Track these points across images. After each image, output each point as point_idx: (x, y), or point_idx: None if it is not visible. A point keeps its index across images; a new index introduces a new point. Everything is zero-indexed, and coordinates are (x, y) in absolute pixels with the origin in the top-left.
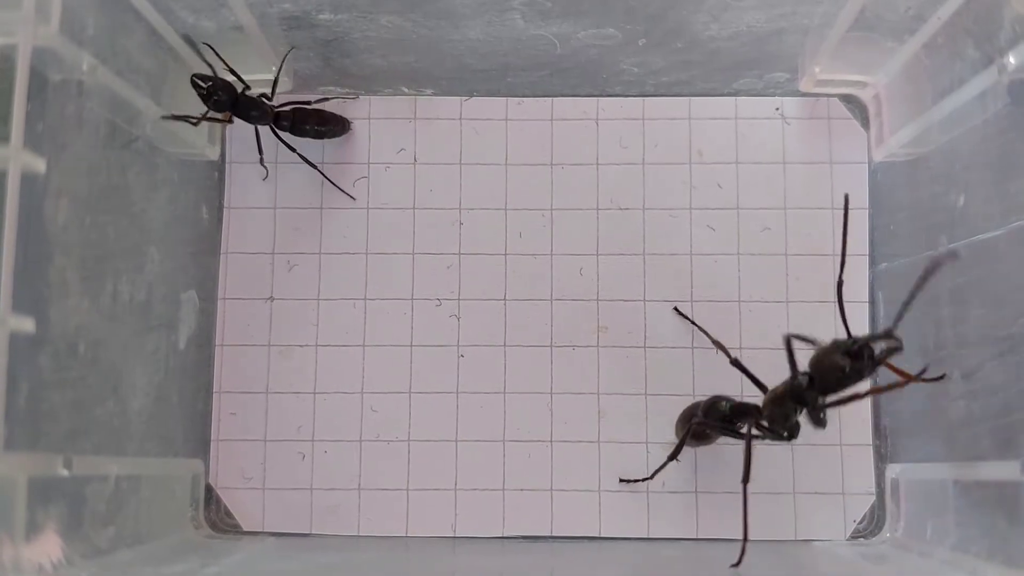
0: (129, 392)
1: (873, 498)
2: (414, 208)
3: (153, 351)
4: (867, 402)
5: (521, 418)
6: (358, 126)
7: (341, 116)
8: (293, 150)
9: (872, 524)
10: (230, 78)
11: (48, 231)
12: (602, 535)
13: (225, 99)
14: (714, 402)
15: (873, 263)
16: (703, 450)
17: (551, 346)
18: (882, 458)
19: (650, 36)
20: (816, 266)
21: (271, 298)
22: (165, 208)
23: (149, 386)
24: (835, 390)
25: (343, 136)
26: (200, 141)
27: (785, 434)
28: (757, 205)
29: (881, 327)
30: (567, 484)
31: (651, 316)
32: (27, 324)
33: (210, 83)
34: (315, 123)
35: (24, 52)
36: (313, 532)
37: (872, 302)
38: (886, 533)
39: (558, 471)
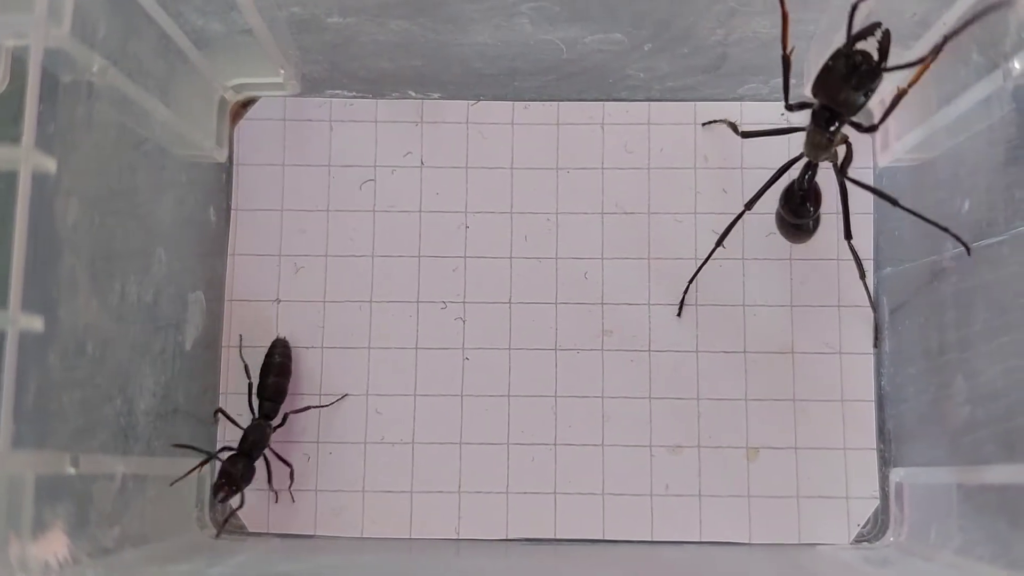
0: (136, 392)
1: (877, 502)
2: (420, 211)
3: (160, 351)
4: (871, 406)
5: (525, 421)
6: (365, 128)
7: None
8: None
9: (876, 528)
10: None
11: (58, 231)
12: (606, 538)
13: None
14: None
15: (878, 267)
16: (707, 452)
17: (556, 349)
18: (886, 462)
19: (656, 41)
20: (821, 270)
21: (278, 300)
22: (173, 209)
23: (156, 386)
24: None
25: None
26: (208, 143)
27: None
28: (762, 210)
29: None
30: (571, 487)
31: (656, 320)
32: (36, 323)
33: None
34: None
35: (36, 53)
36: (318, 533)
37: (877, 306)
38: (890, 537)
39: (562, 474)
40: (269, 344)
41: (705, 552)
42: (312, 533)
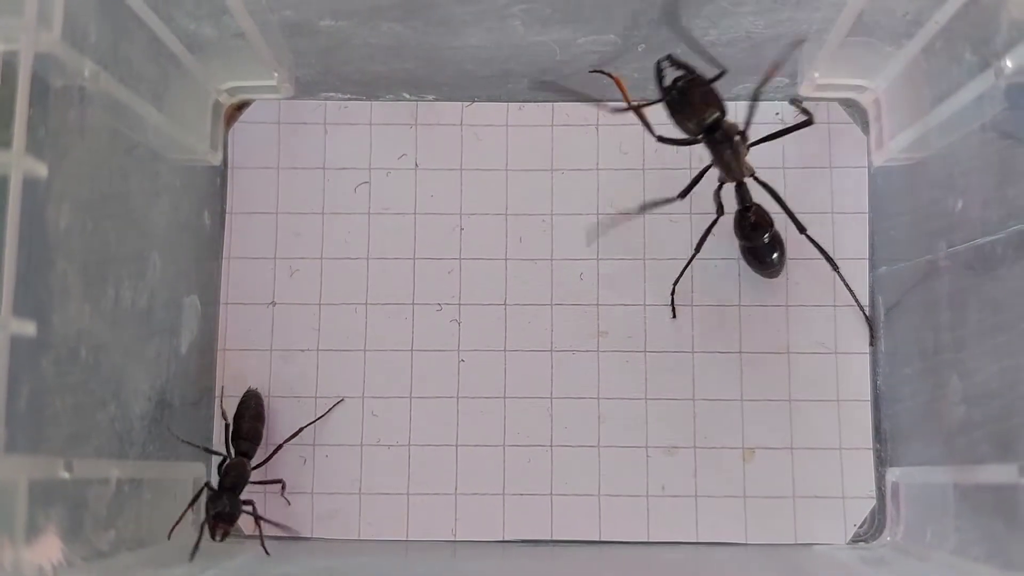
0: (131, 396)
1: (873, 502)
2: (415, 213)
3: (155, 355)
4: (867, 406)
5: (521, 423)
6: (360, 131)
7: None
8: None
9: (872, 528)
10: None
11: (50, 236)
12: (602, 539)
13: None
14: None
15: (873, 267)
16: (703, 453)
17: (551, 351)
18: (882, 462)
19: (649, 42)
20: (815, 270)
21: (273, 303)
22: (167, 213)
23: (151, 390)
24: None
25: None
26: (202, 147)
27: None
28: None
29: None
30: (567, 488)
31: (651, 321)
32: (29, 328)
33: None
34: None
35: (26, 58)
36: (314, 536)
37: (872, 306)
38: (886, 537)
39: (558, 475)
40: (268, 345)
41: (701, 553)
42: (308, 536)
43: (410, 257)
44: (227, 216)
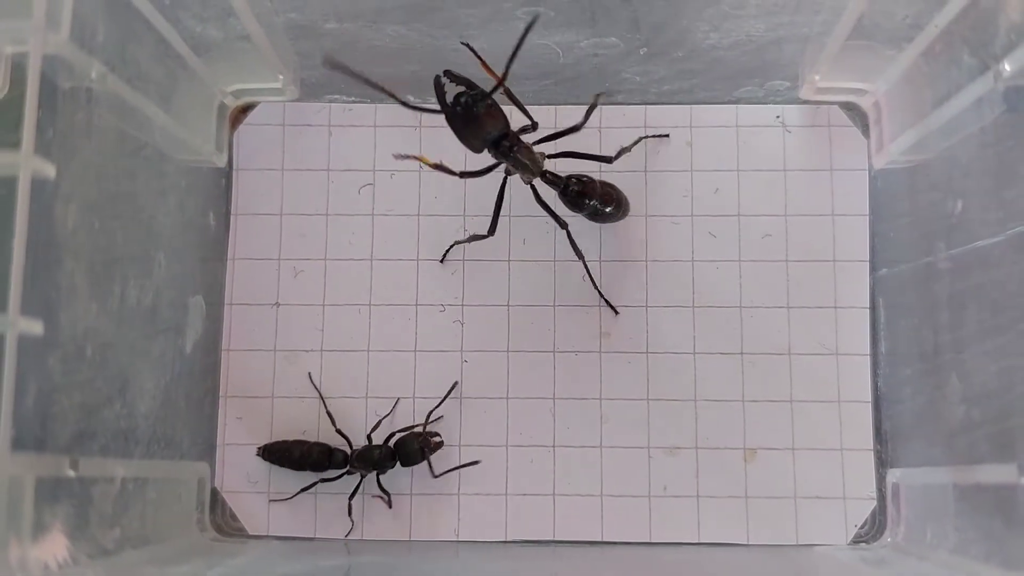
0: (136, 395)
1: (874, 502)
2: (419, 215)
3: (160, 355)
4: (867, 407)
5: (524, 423)
6: (364, 133)
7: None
8: None
9: (873, 528)
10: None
11: (57, 235)
12: (604, 539)
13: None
14: None
15: (873, 269)
16: (705, 453)
17: (554, 352)
18: (883, 463)
19: (651, 45)
20: (817, 272)
21: (277, 304)
22: (173, 214)
23: (156, 389)
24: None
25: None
26: (208, 148)
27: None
28: (758, 212)
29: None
30: (570, 489)
31: (653, 322)
32: (36, 327)
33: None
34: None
35: (35, 60)
36: (318, 536)
37: (873, 307)
38: (887, 537)
39: (561, 476)
40: (272, 345)
41: (703, 553)
42: (312, 536)
43: (414, 258)
44: (232, 217)
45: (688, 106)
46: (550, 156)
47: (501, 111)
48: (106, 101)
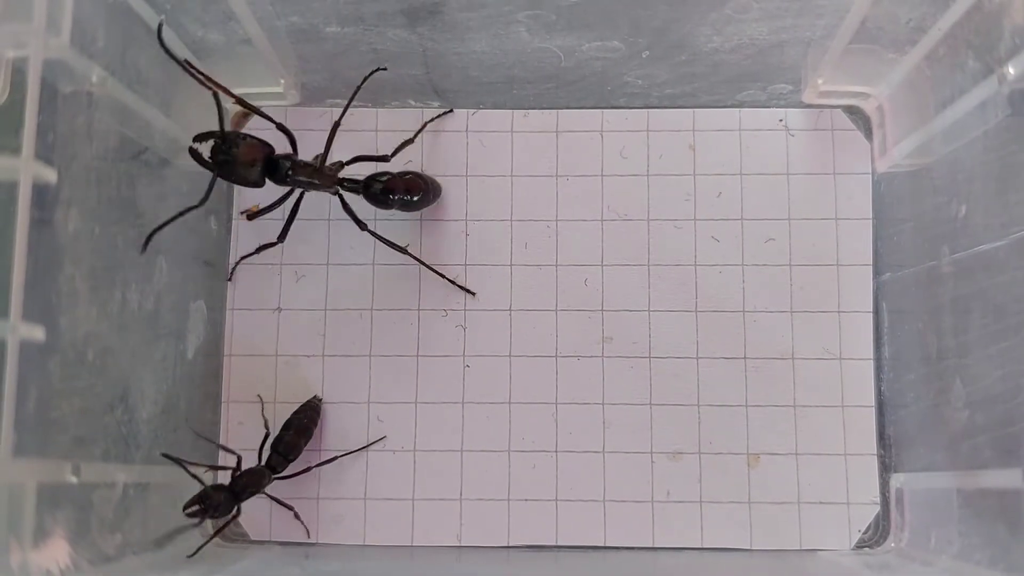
0: (137, 400)
1: (877, 508)
2: (421, 219)
3: (161, 360)
4: (871, 411)
5: (526, 428)
6: (365, 138)
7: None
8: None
9: (877, 534)
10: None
11: (58, 240)
12: (607, 544)
13: None
14: None
15: (877, 273)
16: (708, 458)
17: (556, 356)
18: (886, 468)
19: (654, 49)
20: (820, 276)
21: (279, 309)
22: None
23: (157, 395)
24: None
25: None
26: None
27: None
28: (761, 216)
29: None
30: (572, 494)
31: (656, 326)
32: (37, 332)
33: None
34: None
35: (35, 64)
36: (319, 541)
37: (876, 312)
38: (890, 543)
39: (563, 481)
40: (274, 351)
41: (706, 558)
42: (314, 541)
43: (416, 263)
44: (234, 222)
45: (691, 110)
46: (347, 163)
47: (259, 142)
48: (106, 105)
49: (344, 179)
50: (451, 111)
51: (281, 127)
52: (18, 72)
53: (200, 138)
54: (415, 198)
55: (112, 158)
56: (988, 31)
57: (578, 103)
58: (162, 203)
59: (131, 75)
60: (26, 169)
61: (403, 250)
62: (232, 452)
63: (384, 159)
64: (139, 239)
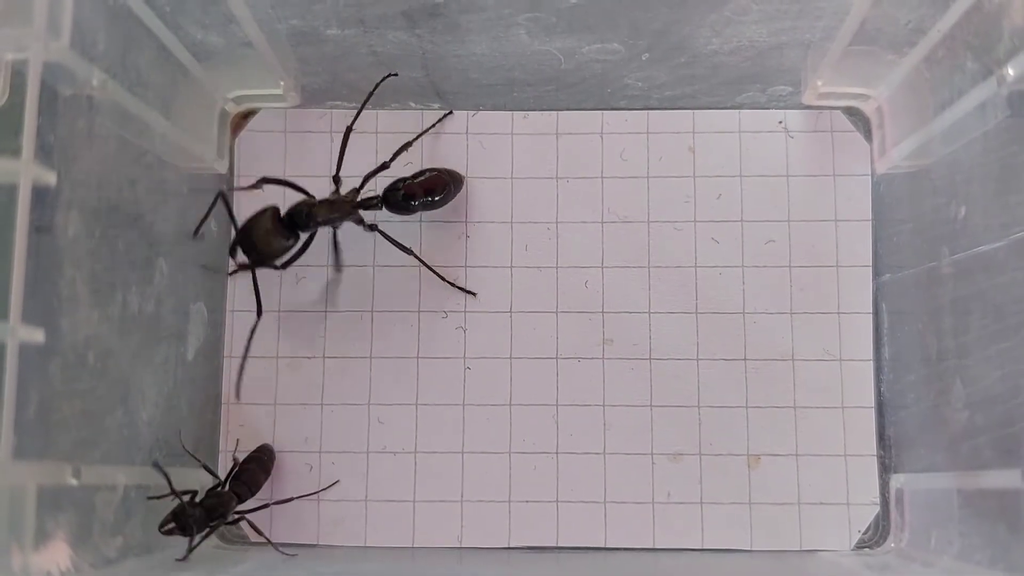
0: (138, 402)
1: (877, 508)
2: (420, 221)
3: (162, 362)
4: (871, 412)
5: (527, 430)
6: (365, 140)
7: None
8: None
9: (877, 534)
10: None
11: (58, 243)
12: (608, 545)
13: None
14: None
15: (876, 274)
16: (708, 459)
17: (557, 358)
18: (886, 468)
19: (653, 51)
20: (820, 277)
21: (279, 310)
22: (174, 221)
23: (158, 397)
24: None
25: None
26: (209, 155)
27: None
28: (761, 217)
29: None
30: (573, 495)
31: (656, 328)
32: (37, 335)
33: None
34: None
35: (35, 67)
36: (320, 543)
37: (876, 313)
38: (890, 543)
39: (564, 482)
40: (274, 352)
41: (707, 559)
42: (315, 543)
43: (416, 265)
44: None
45: (690, 111)
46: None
47: (265, 214)
48: (107, 108)
49: (362, 201)
50: (451, 113)
51: (269, 181)
52: (18, 75)
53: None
54: (437, 197)
55: (112, 161)
56: (987, 33)
57: (578, 105)
58: (162, 206)
59: (131, 78)
60: (26, 172)
61: (409, 250)
62: (214, 475)
63: (384, 167)
64: (139, 242)
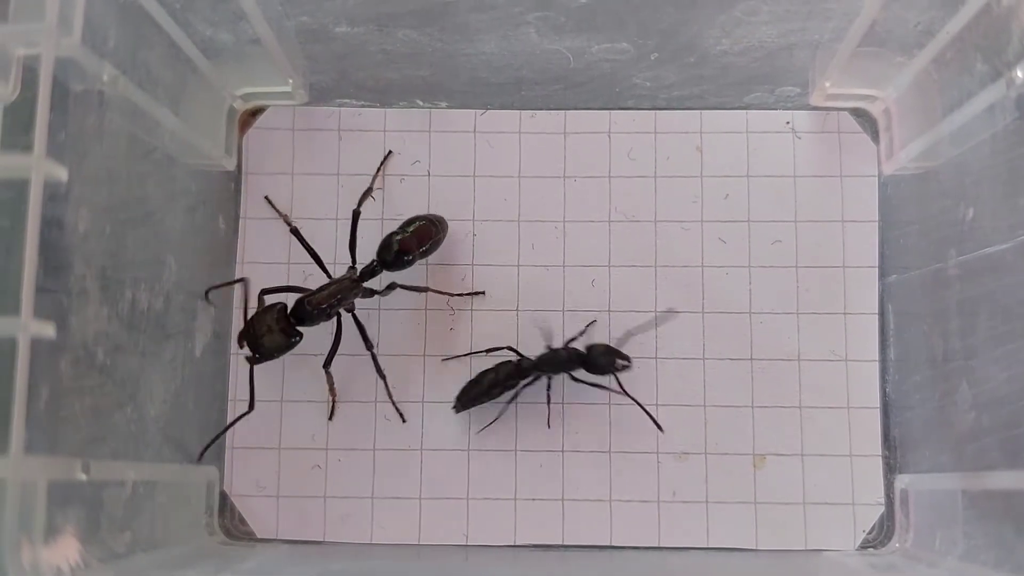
0: (146, 399)
1: (882, 508)
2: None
3: (170, 359)
4: (876, 413)
5: (533, 428)
6: (373, 138)
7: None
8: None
9: (881, 534)
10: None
11: (69, 239)
12: (613, 544)
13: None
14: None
15: (883, 275)
16: (714, 459)
17: None
18: (891, 469)
19: (662, 51)
20: (826, 278)
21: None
22: (183, 218)
23: (166, 393)
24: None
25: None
26: (217, 152)
27: None
28: (768, 218)
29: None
30: (578, 493)
31: (662, 327)
32: (48, 330)
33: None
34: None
35: (47, 63)
36: (326, 540)
37: (882, 313)
38: (895, 543)
39: (570, 481)
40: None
41: (712, 558)
42: (321, 539)
43: (422, 263)
44: (241, 221)
45: (698, 111)
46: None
47: (267, 314)
48: (117, 104)
49: (363, 274)
50: (391, 153)
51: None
52: (29, 71)
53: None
54: (427, 246)
55: (122, 157)
56: (996, 35)
57: (586, 104)
58: (171, 203)
59: (141, 74)
60: (37, 167)
61: (425, 289)
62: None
63: (356, 215)
64: (148, 239)
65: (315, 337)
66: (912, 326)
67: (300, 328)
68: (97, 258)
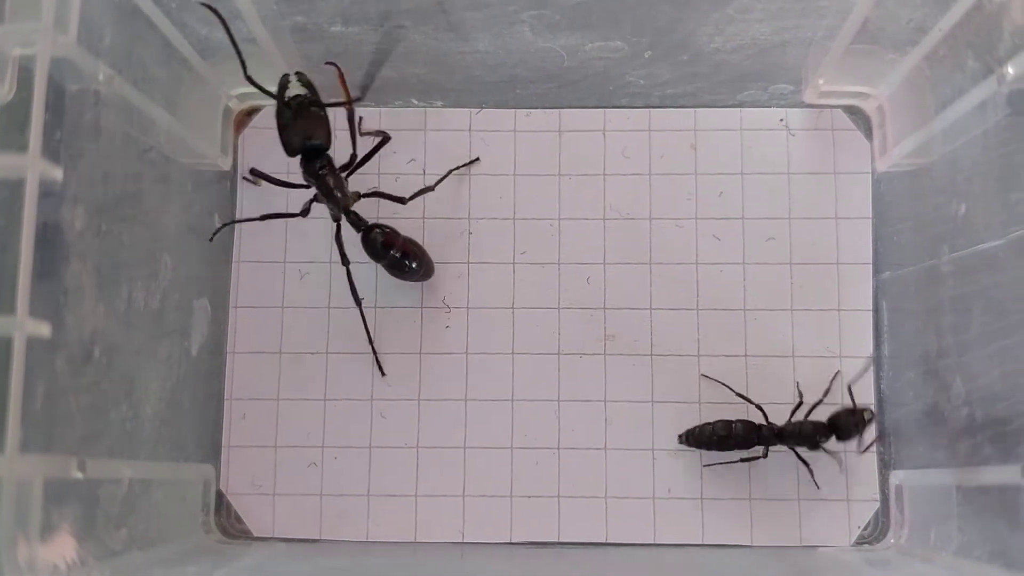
0: (142, 397)
1: (877, 504)
2: (423, 218)
3: (166, 357)
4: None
5: (529, 425)
6: (369, 136)
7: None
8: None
9: (876, 530)
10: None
11: (65, 238)
12: (609, 541)
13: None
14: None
15: (877, 272)
16: (710, 457)
17: (558, 354)
18: (886, 464)
19: (656, 49)
20: (820, 275)
21: (282, 306)
22: (178, 217)
23: (162, 391)
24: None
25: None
26: (213, 152)
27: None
28: (762, 215)
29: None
30: (574, 491)
31: (657, 324)
32: (43, 328)
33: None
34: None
35: (42, 62)
36: (322, 538)
37: (876, 310)
38: (890, 539)
39: (565, 478)
40: (277, 348)
41: (707, 555)
42: (317, 537)
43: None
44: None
45: (692, 109)
46: (364, 195)
47: (329, 128)
48: (113, 104)
49: (353, 211)
50: (478, 159)
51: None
52: (25, 70)
53: (302, 79)
54: (412, 264)
55: (118, 156)
56: (988, 31)
57: (580, 103)
58: (167, 201)
59: (137, 74)
60: (33, 167)
61: (359, 306)
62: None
63: (401, 201)
64: (144, 237)
65: (313, 336)
66: (906, 322)
67: (304, 155)
68: (93, 256)
